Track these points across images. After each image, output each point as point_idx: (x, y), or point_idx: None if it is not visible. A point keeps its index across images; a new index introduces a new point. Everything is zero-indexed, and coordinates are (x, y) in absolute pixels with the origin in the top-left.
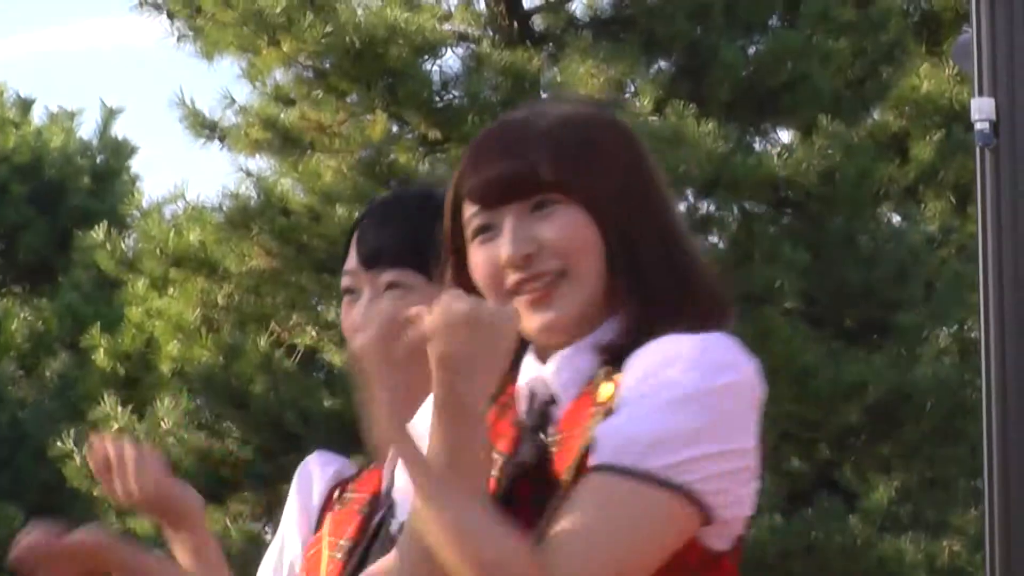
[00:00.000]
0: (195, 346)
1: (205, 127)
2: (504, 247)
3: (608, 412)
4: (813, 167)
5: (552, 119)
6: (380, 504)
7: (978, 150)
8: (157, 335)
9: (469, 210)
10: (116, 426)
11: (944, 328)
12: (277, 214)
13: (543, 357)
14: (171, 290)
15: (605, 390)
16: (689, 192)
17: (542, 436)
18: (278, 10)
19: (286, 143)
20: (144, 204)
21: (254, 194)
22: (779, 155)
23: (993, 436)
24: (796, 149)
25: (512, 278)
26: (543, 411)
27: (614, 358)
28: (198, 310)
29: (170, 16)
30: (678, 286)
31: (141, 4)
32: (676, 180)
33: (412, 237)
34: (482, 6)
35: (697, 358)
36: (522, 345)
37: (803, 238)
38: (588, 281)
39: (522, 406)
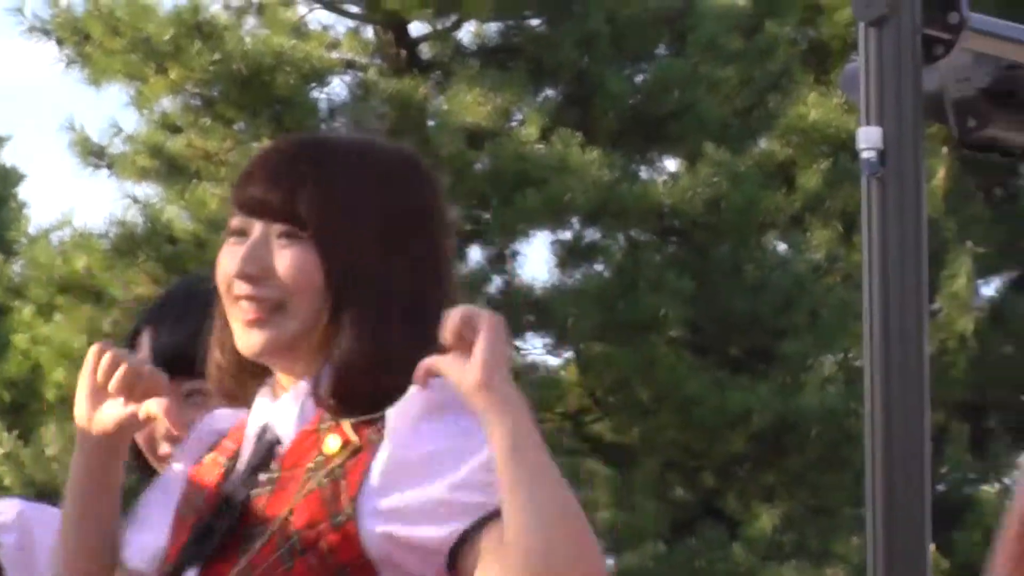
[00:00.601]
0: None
1: (93, 154)
2: (237, 259)
3: (333, 471)
4: (699, 195)
5: (322, 152)
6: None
7: (864, 179)
8: (43, 362)
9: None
10: (2, 451)
11: (829, 356)
12: (163, 241)
13: (276, 396)
14: (57, 316)
15: (332, 442)
16: (575, 220)
17: (261, 475)
18: (166, 38)
19: (172, 171)
20: (31, 231)
21: (140, 221)
22: (665, 183)
23: (876, 464)
24: (682, 177)
25: (238, 289)
26: (268, 450)
27: (339, 404)
28: (84, 336)
29: (59, 43)
30: (384, 348)
31: (31, 30)
32: (562, 208)
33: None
34: (370, 34)
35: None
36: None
37: (688, 266)
38: (303, 319)
39: (248, 445)
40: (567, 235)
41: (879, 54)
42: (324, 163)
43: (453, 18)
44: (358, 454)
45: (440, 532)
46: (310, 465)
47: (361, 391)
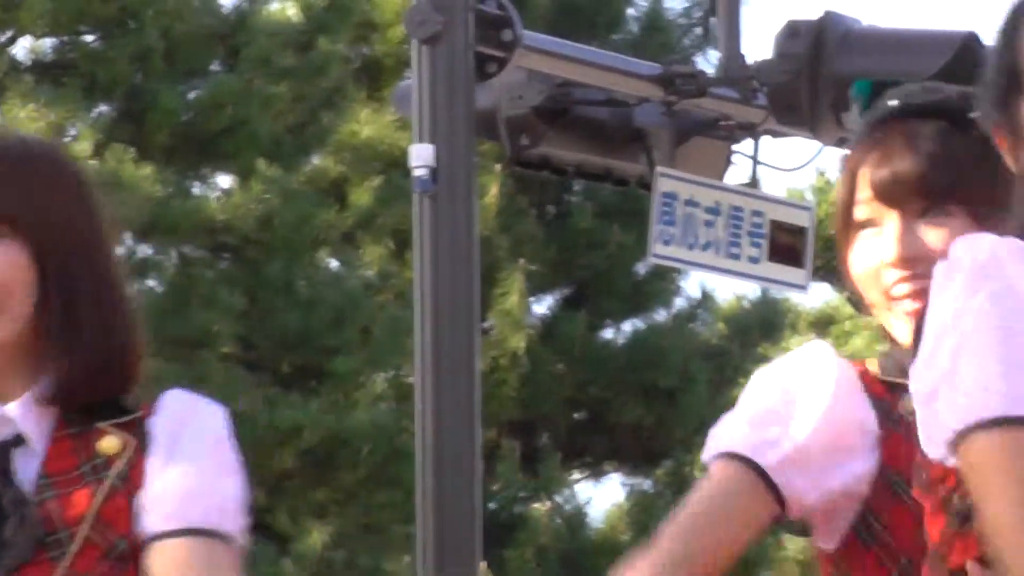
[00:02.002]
0: None
1: None
2: None
3: (121, 472)
4: (251, 212)
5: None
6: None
7: (416, 196)
8: None
9: None
10: None
11: (381, 373)
12: None
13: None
14: None
15: (108, 443)
16: (127, 236)
17: (15, 481)
18: None
19: None
20: None
21: None
22: (218, 200)
23: (427, 481)
24: (235, 194)
25: None
26: (5, 452)
27: (83, 407)
28: None
29: None
30: (110, 337)
31: None
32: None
33: None
34: None
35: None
36: None
37: (241, 283)
38: (17, 319)
39: None
40: (120, 251)
41: (432, 72)
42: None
43: (8, 33)
44: (137, 454)
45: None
46: (84, 468)
47: (101, 394)
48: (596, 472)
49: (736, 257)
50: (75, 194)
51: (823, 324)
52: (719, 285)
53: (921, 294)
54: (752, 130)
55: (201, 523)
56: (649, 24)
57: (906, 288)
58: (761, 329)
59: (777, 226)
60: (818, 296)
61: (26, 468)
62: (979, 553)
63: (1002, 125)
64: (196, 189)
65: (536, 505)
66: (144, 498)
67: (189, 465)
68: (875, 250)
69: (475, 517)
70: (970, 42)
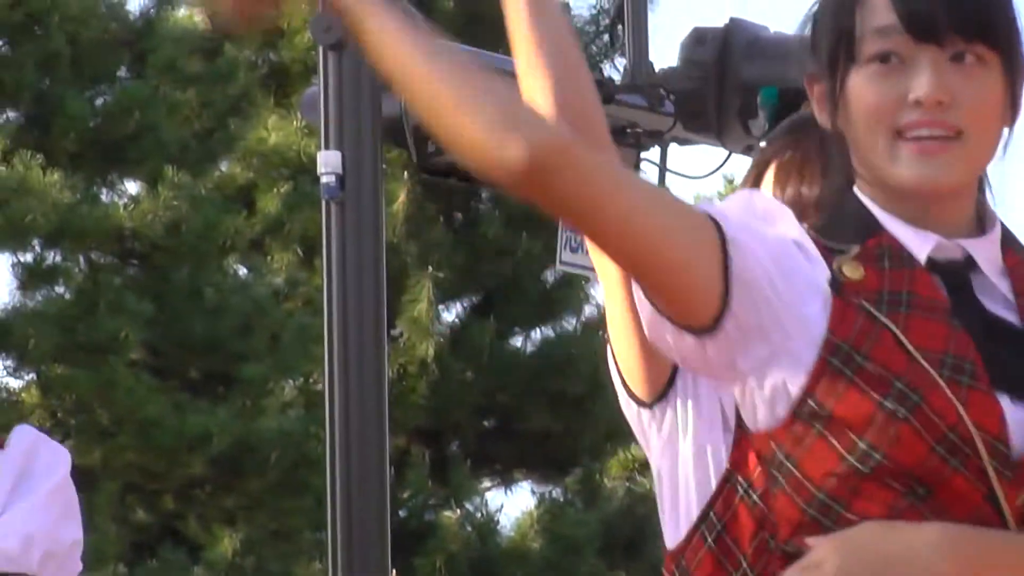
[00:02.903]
0: None
1: None
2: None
3: None
4: (159, 218)
5: None
6: None
7: (324, 203)
8: None
9: None
10: None
11: (290, 380)
12: None
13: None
14: None
15: None
16: (35, 242)
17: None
18: None
19: None
20: None
21: None
22: (125, 206)
23: (337, 488)
24: (142, 200)
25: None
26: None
27: None
28: None
29: None
30: None
31: None
32: (22, 230)
33: None
34: None
35: None
36: None
37: (148, 289)
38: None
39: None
40: (28, 257)
41: (339, 78)
42: None
43: None
44: None
45: None
46: None
47: None
48: (506, 480)
49: None
50: None
51: None
52: None
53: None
54: (659, 137)
55: (38, 571)
56: None
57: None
58: None
59: None
60: None
61: None
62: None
63: (821, 80)
64: (104, 196)
65: (446, 513)
66: None
67: (31, 510)
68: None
69: (384, 524)
70: None
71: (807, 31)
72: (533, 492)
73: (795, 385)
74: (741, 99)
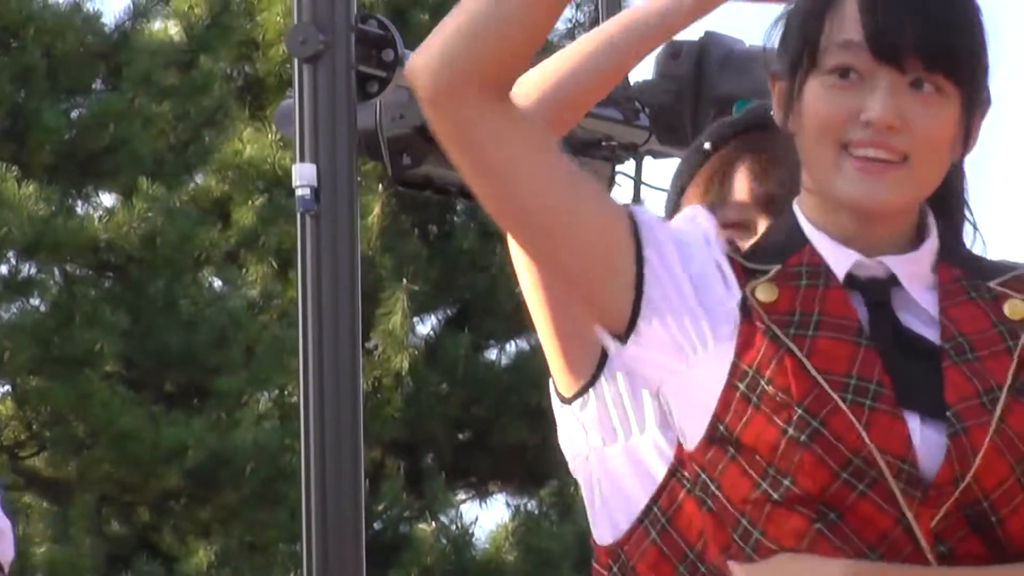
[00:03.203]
0: None
1: None
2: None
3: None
4: (134, 230)
5: None
6: None
7: (299, 216)
8: None
9: None
10: None
11: (265, 393)
12: None
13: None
14: None
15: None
16: (11, 255)
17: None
18: None
19: None
20: None
21: None
22: (101, 218)
23: (312, 501)
24: (118, 213)
25: None
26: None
27: None
28: None
29: None
30: None
31: None
32: None
33: None
34: None
35: None
36: None
37: (124, 301)
38: None
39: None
40: (3, 270)
41: (314, 91)
42: None
43: None
44: None
45: None
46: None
47: None
48: (481, 492)
49: None
50: None
51: None
52: None
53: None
54: (634, 150)
55: None
56: None
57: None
58: None
59: None
60: None
61: None
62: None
63: (782, 80)
64: (79, 208)
65: (421, 525)
66: None
67: None
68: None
69: (359, 537)
70: None
71: (777, 30)
72: (508, 505)
73: (706, 409)
74: (716, 112)
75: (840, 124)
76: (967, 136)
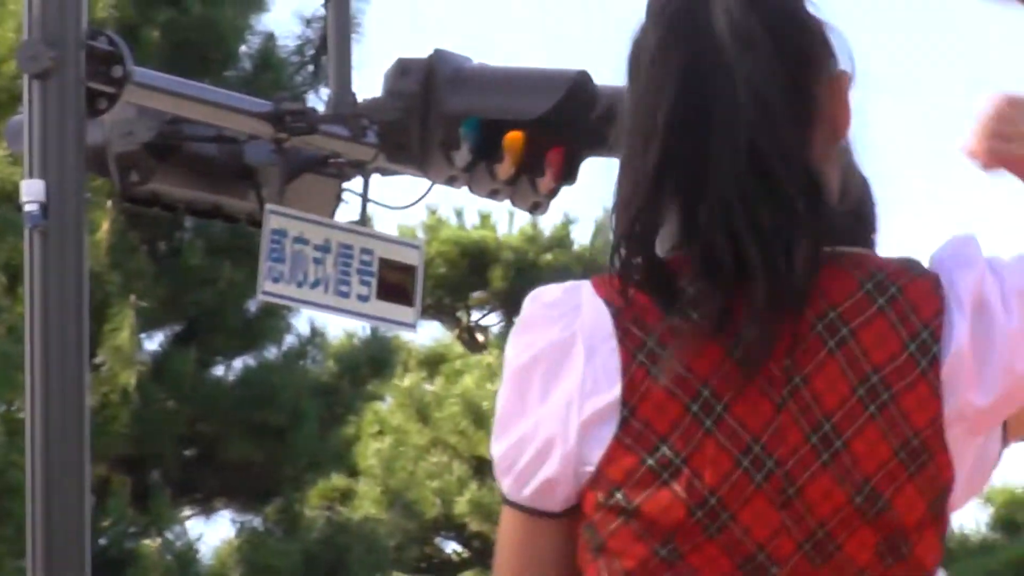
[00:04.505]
0: None
1: None
2: None
3: None
4: None
5: None
6: None
7: (27, 231)
8: None
9: None
10: None
11: None
12: None
13: None
14: None
15: None
16: None
17: None
18: None
19: None
20: None
21: None
22: None
23: (37, 516)
24: None
25: None
26: None
27: None
28: None
29: None
30: None
31: None
32: None
33: None
34: None
35: None
36: None
37: None
38: None
39: None
40: None
41: (43, 107)
42: None
43: None
44: None
45: None
46: None
47: None
48: (207, 509)
49: (346, 295)
50: None
51: (434, 362)
52: (330, 322)
53: None
54: (362, 168)
55: None
56: (262, 61)
57: None
58: (371, 366)
59: (386, 264)
60: (428, 334)
61: None
62: None
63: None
64: None
65: (146, 541)
66: None
67: None
68: None
69: (84, 552)
70: (581, 81)
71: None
72: (233, 521)
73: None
74: (444, 130)
75: None
76: None
